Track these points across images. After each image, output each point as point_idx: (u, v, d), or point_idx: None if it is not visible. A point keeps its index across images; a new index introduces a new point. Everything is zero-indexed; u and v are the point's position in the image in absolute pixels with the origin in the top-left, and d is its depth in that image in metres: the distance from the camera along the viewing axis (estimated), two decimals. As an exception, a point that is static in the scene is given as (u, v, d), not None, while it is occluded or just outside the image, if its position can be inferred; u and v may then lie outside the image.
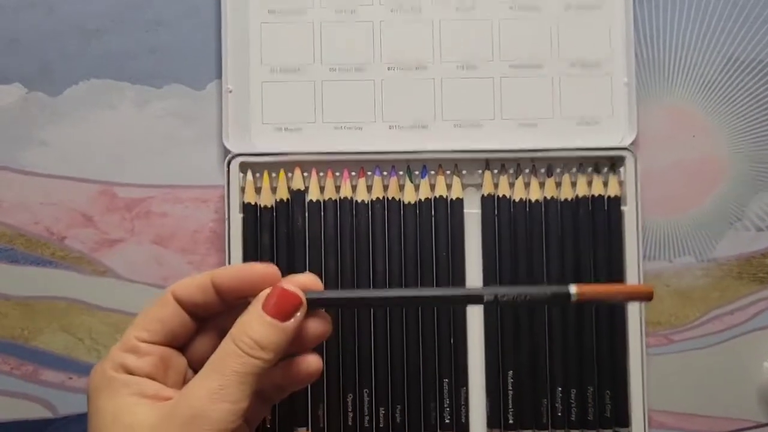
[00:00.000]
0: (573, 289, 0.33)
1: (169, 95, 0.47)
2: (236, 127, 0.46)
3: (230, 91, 0.46)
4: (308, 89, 0.46)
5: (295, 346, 0.33)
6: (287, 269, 0.44)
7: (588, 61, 0.47)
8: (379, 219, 0.46)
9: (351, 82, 0.46)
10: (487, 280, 0.46)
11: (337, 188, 0.45)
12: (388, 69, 0.47)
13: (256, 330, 0.31)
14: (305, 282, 0.33)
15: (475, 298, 0.34)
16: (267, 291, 0.32)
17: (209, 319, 0.34)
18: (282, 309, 0.31)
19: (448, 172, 0.46)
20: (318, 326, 0.34)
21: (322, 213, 0.45)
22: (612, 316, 0.46)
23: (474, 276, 0.47)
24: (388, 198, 0.45)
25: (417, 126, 0.47)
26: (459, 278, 0.46)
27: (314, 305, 0.33)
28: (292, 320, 0.32)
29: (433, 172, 0.46)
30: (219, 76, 0.46)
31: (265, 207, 0.45)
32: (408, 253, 0.46)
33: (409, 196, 0.46)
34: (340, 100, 0.46)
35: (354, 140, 0.46)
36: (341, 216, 0.45)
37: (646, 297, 0.34)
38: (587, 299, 0.33)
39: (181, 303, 0.33)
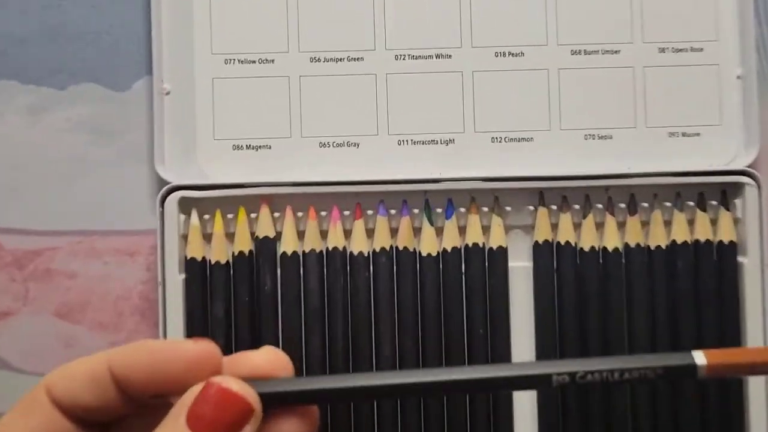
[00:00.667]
0: (700, 358, 0.23)
1: (78, 99, 0.38)
2: (175, 145, 0.37)
3: (166, 93, 0.37)
4: (280, 89, 0.38)
5: None
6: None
7: (684, 46, 0.38)
8: (384, 279, 0.37)
9: (342, 78, 0.38)
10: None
11: (323, 234, 0.37)
12: (396, 58, 0.38)
13: None
14: (261, 366, 0.24)
15: (537, 380, 0.23)
16: (195, 390, 0.23)
17: (110, 427, 0.25)
18: (219, 423, 0.22)
19: (485, 209, 0.37)
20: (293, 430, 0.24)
21: (301, 271, 0.37)
22: (726, 389, 0.38)
23: (523, 359, 0.38)
24: (397, 248, 0.37)
25: (438, 141, 0.38)
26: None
27: (279, 403, 0.23)
28: None
29: (463, 210, 0.37)
30: (149, 71, 0.38)
31: (218, 263, 0.37)
32: (427, 328, 0.37)
33: (429, 245, 0.37)
34: (326, 104, 0.38)
35: (347, 163, 0.38)
36: (329, 275, 0.37)
37: None
38: (720, 372, 0.23)
39: (60, 405, 0.24)
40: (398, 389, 0.24)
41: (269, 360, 0.24)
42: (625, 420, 0.37)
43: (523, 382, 0.24)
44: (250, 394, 0.23)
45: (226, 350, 0.36)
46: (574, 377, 0.23)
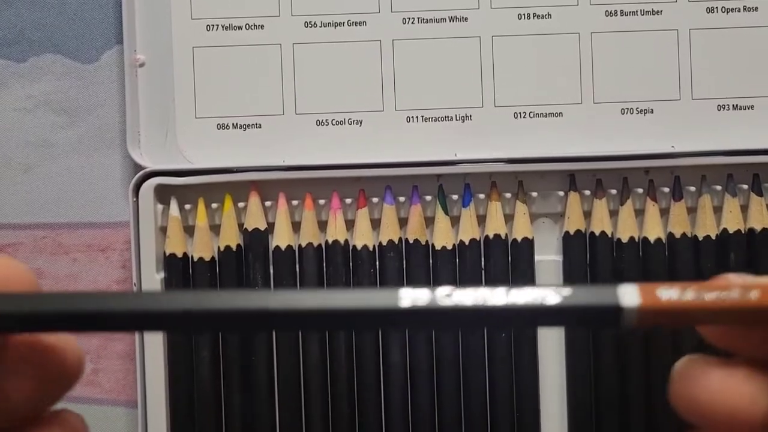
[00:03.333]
0: (628, 294, 0.16)
1: (39, 73, 0.36)
2: (151, 125, 0.36)
3: (140, 65, 0.35)
4: (271, 59, 0.36)
5: None
6: (241, 360, 0.35)
7: (736, 5, 0.35)
8: (392, 276, 0.36)
9: (341, 46, 0.36)
10: (575, 372, 0.36)
11: (322, 225, 0.36)
12: (404, 22, 0.36)
13: None
14: None
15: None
16: None
17: None
18: None
19: (508, 195, 0.36)
20: (21, 376, 0.18)
21: (297, 268, 0.35)
22: None
23: (555, 368, 0.36)
24: (407, 241, 0.36)
25: (453, 117, 0.36)
26: (529, 373, 0.36)
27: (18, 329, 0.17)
28: None
29: (482, 196, 0.36)
30: (120, 40, 0.36)
31: (202, 260, 0.35)
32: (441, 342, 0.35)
33: (443, 237, 0.36)
34: (324, 75, 0.36)
35: (349, 143, 0.37)
36: (328, 273, 0.36)
37: None
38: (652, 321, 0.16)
39: None
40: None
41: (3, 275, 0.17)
42: None
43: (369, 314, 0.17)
44: None
45: (214, 360, 0.35)
46: (434, 297, 0.16)
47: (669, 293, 0.15)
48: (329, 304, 0.16)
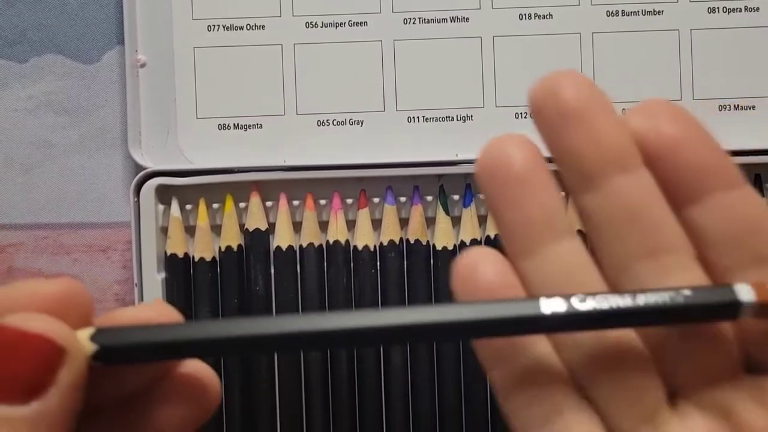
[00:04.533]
0: (744, 292, 0.18)
1: (40, 74, 0.36)
2: (152, 125, 0.36)
3: (141, 65, 0.35)
4: (272, 59, 0.35)
5: None
6: (241, 361, 0.35)
7: (738, 5, 0.35)
8: (393, 277, 0.35)
9: (343, 46, 0.36)
10: None
11: (323, 226, 0.36)
12: (405, 22, 0.35)
13: None
14: (137, 315, 0.20)
15: (524, 309, 0.19)
16: None
17: None
18: (8, 375, 0.18)
19: None
20: (174, 403, 0.20)
21: (298, 268, 0.35)
22: None
23: None
24: (408, 241, 0.35)
25: (454, 117, 0.36)
26: None
27: (130, 354, 0.19)
28: (48, 397, 0.18)
29: (483, 196, 0.33)
30: (121, 40, 0.35)
31: (203, 260, 0.34)
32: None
33: (444, 238, 0.35)
34: (325, 76, 0.36)
35: (350, 144, 0.36)
36: (329, 273, 0.35)
37: None
38: None
39: None
40: (326, 337, 0.19)
41: (157, 315, 0.20)
42: None
43: (509, 322, 0.19)
44: (52, 330, 0.18)
45: (214, 363, 0.34)
46: (570, 303, 0.18)
47: None
48: (481, 315, 0.18)
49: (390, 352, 0.34)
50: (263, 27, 0.34)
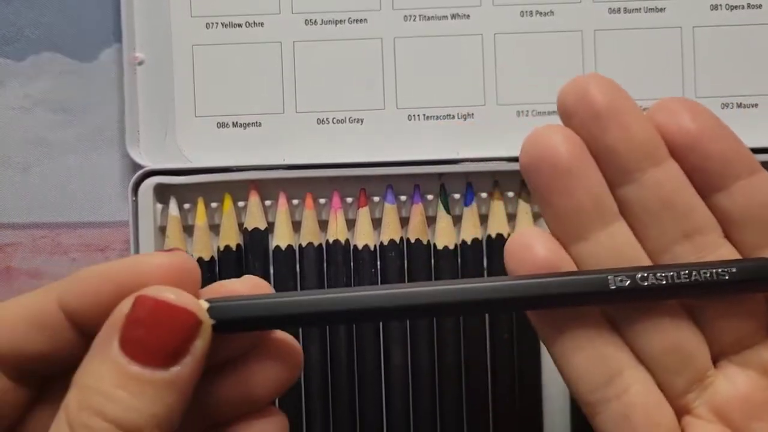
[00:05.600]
0: None
1: (38, 72, 0.36)
2: (150, 123, 0.35)
3: (139, 63, 0.35)
4: (271, 57, 0.35)
5: (229, 405, 0.22)
6: None
7: (740, 2, 0.35)
8: (393, 276, 0.35)
9: (342, 44, 0.35)
10: None
11: (322, 225, 0.35)
12: (405, 19, 0.35)
13: (108, 393, 0.20)
14: (237, 289, 0.22)
15: (593, 284, 0.21)
16: (125, 306, 0.21)
17: (53, 380, 0.23)
18: (161, 342, 0.20)
19: (510, 194, 0.35)
20: (269, 367, 0.23)
21: (298, 268, 0.35)
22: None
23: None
24: (408, 240, 0.35)
25: (455, 116, 0.35)
26: (533, 378, 0.35)
27: (242, 325, 0.21)
28: (184, 363, 0.20)
29: (484, 195, 0.35)
30: (119, 38, 0.35)
31: (201, 260, 0.34)
32: (444, 332, 0.35)
33: (445, 237, 0.35)
34: (324, 73, 0.35)
35: (350, 142, 0.36)
36: (329, 273, 0.35)
37: None
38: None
39: None
40: (394, 311, 0.21)
41: (252, 287, 0.22)
42: None
43: (576, 291, 0.21)
44: (193, 304, 0.20)
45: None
46: (634, 278, 0.21)
47: None
48: (554, 289, 0.20)
49: (390, 349, 0.34)
50: (262, 24, 0.34)
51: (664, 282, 0.20)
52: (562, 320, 0.21)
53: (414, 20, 0.34)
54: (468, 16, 0.34)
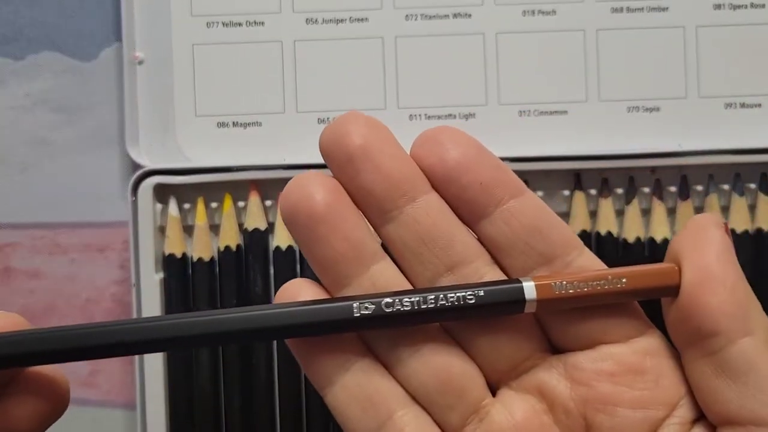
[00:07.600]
0: (529, 289, 0.20)
1: (37, 71, 0.35)
2: (150, 123, 0.34)
3: (139, 62, 0.34)
4: (272, 56, 0.34)
5: None
6: (240, 362, 0.33)
7: (744, 2, 0.34)
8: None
9: (343, 43, 0.34)
10: None
11: None
12: (406, 18, 0.34)
13: None
14: None
15: (337, 311, 0.20)
16: None
17: None
18: None
19: None
20: (28, 402, 0.20)
21: (298, 269, 0.34)
22: None
23: None
24: None
25: (456, 115, 0.35)
26: None
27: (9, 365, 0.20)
28: None
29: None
30: (119, 37, 0.34)
31: (201, 261, 0.33)
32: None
33: None
34: (325, 73, 0.34)
35: None
36: None
37: (667, 290, 0.20)
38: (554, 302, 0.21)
39: None
40: (133, 345, 0.20)
41: (9, 324, 0.20)
42: None
43: (322, 319, 0.20)
44: None
45: (213, 361, 0.34)
46: (379, 306, 0.20)
47: (559, 286, 0.20)
48: (298, 319, 0.20)
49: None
50: (263, 23, 0.33)
51: (408, 308, 0.19)
52: (326, 361, 0.21)
53: (415, 19, 0.34)
54: (469, 15, 0.34)
